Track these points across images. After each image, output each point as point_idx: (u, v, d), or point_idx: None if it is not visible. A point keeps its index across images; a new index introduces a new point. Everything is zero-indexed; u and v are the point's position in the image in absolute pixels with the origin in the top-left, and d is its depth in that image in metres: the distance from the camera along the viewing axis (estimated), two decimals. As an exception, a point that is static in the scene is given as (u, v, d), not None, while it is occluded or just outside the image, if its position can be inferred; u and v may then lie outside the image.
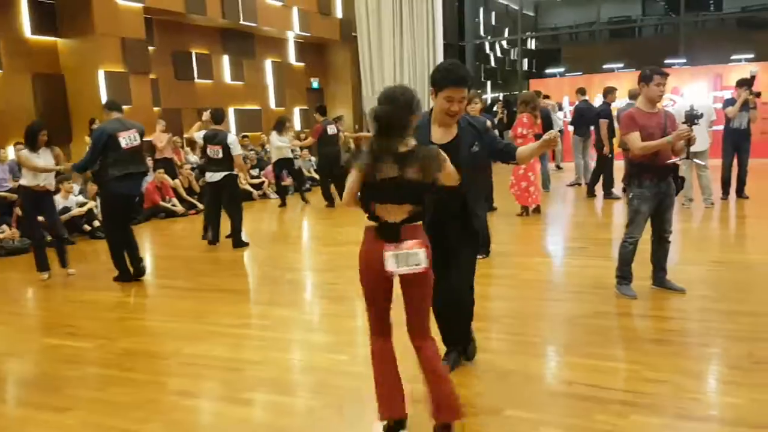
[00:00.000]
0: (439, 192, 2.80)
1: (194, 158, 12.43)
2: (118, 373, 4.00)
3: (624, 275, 5.00)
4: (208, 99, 14.13)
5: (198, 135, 8.01)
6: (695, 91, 10.37)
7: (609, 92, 10.14)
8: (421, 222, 2.80)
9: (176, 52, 13.79)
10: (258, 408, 3.45)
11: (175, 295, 5.91)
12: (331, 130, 11.09)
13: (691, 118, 4.58)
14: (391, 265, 2.75)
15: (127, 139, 6.15)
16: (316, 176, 14.10)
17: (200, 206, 10.96)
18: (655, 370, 3.56)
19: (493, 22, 25.44)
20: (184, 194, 11.06)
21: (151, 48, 12.66)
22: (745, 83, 8.98)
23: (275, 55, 16.46)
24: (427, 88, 16.41)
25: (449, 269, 3.39)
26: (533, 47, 27.05)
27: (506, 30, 25.30)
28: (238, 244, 7.85)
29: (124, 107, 11.40)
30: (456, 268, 3.41)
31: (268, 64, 16.24)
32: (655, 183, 4.71)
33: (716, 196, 9.03)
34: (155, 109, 12.65)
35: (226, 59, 15.00)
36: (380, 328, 2.98)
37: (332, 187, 11.02)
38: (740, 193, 9.32)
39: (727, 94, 10.48)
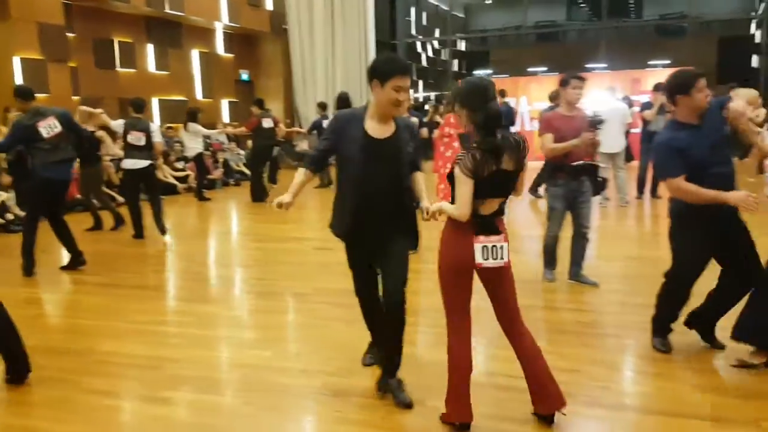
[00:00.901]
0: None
1: (116, 149, 11.96)
2: (28, 372, 3.83)
3: (548, 261, 5.39)
4: (131, 88, 13.65)
5: (116, 123, 7.78)
6: (598, 96, 10.89)
7: (557, 96, 10.35)
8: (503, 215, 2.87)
9: (97, 39, 13.27)
10: (178, 406, 3.37)
11: (91, 291, 5.69)
12: (267, 123, 10.85)
13: (593, 123, 4.86)
14: (479, 257, 2.77)
15: (47, 128, 5.93)
16: (245, 170, 13.88)
17: (120, 199, 10.59)
18: (569, 360, 3.71)
19: (425, 22, 25.71)
20: (103, 187, 10.62)
21: (70, 35, 12.13)
22: (662, 87, 9.44)
23: (202, 45, 16.08)
24: (360, 84, 16.46)
25: (384, 267, 3.31)
26: (463, 48, 27.51)
27: (437, 30, 25.63)
28: (164, 230, 7.68)
29: (42, 95, 10.95)
30: (394, 265, 3.30)
31: (194, 54, 15.85)
32: (567, 181, 4.98)
33: (631, 196, 9.46)
34: (74, 98, 12.10)
35: (150, 48, 14.55)
36: (462, 325, 3.04)
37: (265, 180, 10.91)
38: (654, 192, 9.80)
39: (645, 99, 10.99)
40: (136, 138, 7.51)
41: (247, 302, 5.40)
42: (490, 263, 2.80)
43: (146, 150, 7.57)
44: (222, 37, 16.77)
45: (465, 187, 2.72)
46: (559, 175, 5.00)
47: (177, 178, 12.15)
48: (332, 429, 3.09)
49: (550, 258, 5.35)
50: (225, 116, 16.81)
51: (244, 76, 17.66)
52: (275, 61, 17.80)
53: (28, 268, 6.12)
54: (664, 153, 3.48)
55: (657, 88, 9.50)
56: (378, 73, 3.09)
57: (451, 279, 2.91)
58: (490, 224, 2.81)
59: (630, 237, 7.61)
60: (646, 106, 9.61)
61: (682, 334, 3.84)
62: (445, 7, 23.93)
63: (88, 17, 12.87)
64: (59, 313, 5.24)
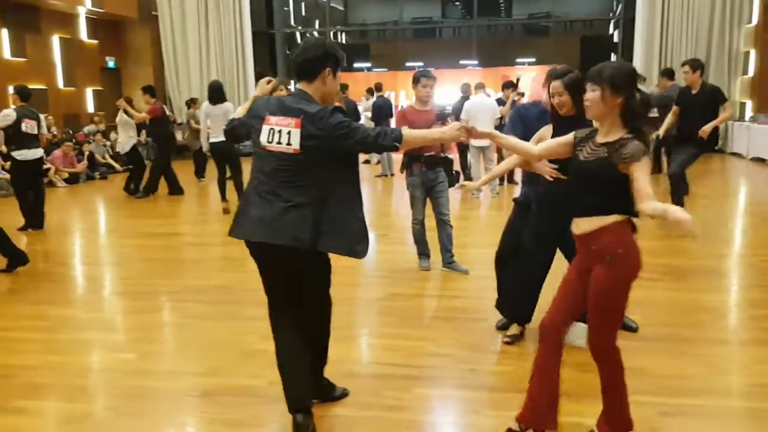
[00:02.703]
0: None
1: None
2: None
3: (421, 251, 5.62)
4: (-18, 76, 12.52)
5: (6, 113, 7.28)
6: (443, 92, 11.57)
7: (466, 89, 10.63)
8: None
9: (-58, 21, 12.02)
10: (35, 417, 3.14)
11: (-66, 297, 5.17)
12: (168, 111, 10.43)
13: (440, 117, 5.20)
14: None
15: None
16: (112, 162, 13.14)
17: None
18: (439, 345, 3.83)
19: (303, 13, 25.48)
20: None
21: None
22: (511, 85, 10.22)
23: (64, 31, 14.98)
24: (236, 74, 15.92)
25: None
26: (344, 41, 27.55)
27: (317, 22, 25.49)
28: (41, 225, 7.64)
29: None
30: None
31: (55, 40, 14.74)
32: (422, 171, 5.33)
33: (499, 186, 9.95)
34: None
35: (5, 33, 13.36)
36: None
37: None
38: (510, 179, 10.50)
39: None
40: (31, 126, 7.33)
41: (111, 303, 5.10)
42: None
43: (38, 140, 7.48)
44: (85, 22, 15.72)
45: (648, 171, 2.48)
46: (415, 166, 5.34)
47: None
48: (201, 431, 3.00)
49: (420, 246, 5.60)
50: (90, 105, 15.81)
51: (111, 64, 16.68)
52: (144, 48, 16.93)
53: None
54: None
55: (507, 86, 10.22)
56: (334, 61, 2.75)
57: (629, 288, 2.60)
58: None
59: (498, 225, 7.94)
60: (499, 102, 10.20)
61: (540, 315, 4.07)
62: (324, -1, 23.88)
63: (-72, -4, 11.62)
64: None
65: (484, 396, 3.23)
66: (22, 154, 7.31)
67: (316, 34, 25.39)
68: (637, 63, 14.27)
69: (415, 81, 5.29)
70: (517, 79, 11.31)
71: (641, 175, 2.44)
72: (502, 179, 10.34)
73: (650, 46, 14.65)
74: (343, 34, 27.16)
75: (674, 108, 7.07)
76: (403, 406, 3.12)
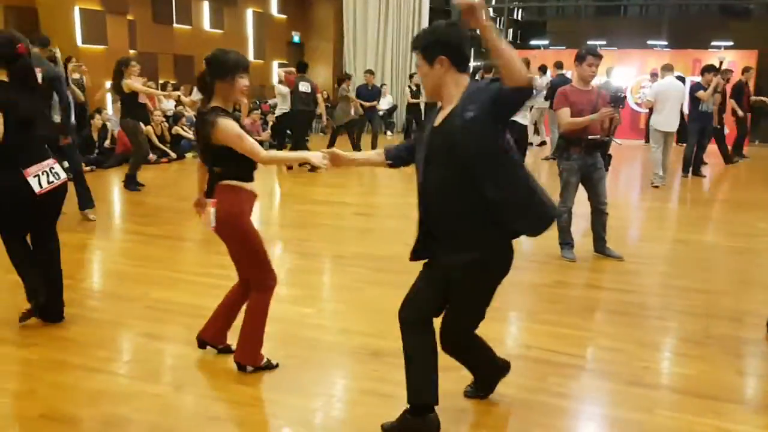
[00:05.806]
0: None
1: (169, 105, 12.13)
2: (82, 312, 3.99)
3: (564, 241, 5.29)
4: (186, 45, 13.82)
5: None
6: (621, 73, 10.76)
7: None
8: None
9: (156, -7, 13.41)
10: (222, 354, 3.48)
11: (143, 240, 5.86)
12: (304, 87, 10.29)
13: (616, 100, 4.80)
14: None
15: None
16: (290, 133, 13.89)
17: (173, 154, 10.84)
18: (611, 338, 3.67)
19: (481, -11, 25.14)
20: (156, 142, 10.83)
21: (130, -13, 12.29)
22: (713, 69, 9.36)
23: (257, 4, 16.10)
24: (409, 52, 16.01)
25: None
26: (519, 18, 26.89)
27: (493, -2, 25.03)
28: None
29: (100, 47, 11.15)
30: None
31: (249, 14, 15.89)
32: (581, 156, 4.98)
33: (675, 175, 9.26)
34: (131, 51, 12.30)
35: (206, 5, 14.64)
36: None
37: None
38: (697, 171, 9.75)
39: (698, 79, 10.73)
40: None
41: (287, 261, 5.46)
42: None
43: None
44: (276, -3, 16.75)
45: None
46: (573, 149, 5.01)
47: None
48: (372, 386, 3.14)
49: (565, 235, 5.27)
50: (275, 78, 16.85)
51: (296, 38, 17.65)
52: (327, 24, 17.72)
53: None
54: None
55: (709, 69, 9.35)
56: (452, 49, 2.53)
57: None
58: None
59: (678, 219, 7.44)
60: (697, 87, 9.39)
61: (724, 320, 3.77)
62: (502, -24, 23.39)
63: (147, -29, 12.99)
64: (112, 260, 5.41)
65: (659, 395, 3.06)
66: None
67: (491, 11, 24.98)
68: None
69: (580, 59, 4.92)
70: (720, 63, 10.29)
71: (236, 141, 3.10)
72: (686, 169, 9.62)
73: None
74: (520, 10, 26.45)
75: None
76: (569, 395, 3.04)
